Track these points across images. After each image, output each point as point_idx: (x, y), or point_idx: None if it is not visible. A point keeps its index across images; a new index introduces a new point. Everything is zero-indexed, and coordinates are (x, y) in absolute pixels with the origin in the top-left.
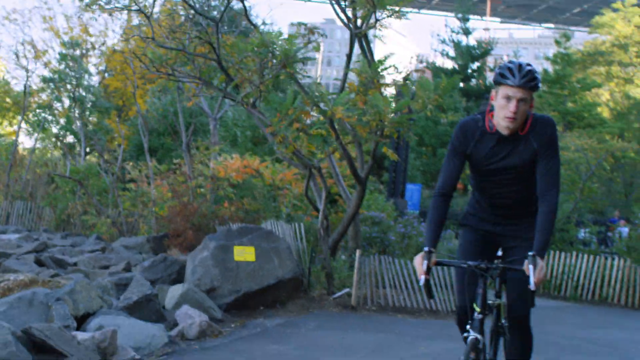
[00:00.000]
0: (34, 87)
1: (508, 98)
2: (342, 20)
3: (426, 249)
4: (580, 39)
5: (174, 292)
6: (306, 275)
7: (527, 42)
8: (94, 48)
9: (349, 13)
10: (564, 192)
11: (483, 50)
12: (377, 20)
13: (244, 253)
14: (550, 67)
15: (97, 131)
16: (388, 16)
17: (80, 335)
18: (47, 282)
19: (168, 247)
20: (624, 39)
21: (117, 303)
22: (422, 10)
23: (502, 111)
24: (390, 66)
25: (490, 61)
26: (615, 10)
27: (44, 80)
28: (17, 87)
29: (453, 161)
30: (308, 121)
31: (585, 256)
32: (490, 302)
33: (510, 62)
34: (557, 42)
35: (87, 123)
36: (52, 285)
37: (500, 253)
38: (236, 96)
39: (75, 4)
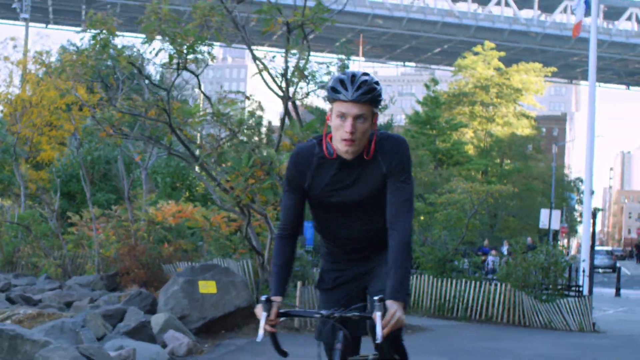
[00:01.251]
0: None
1: (343, 116)
2: (275, 92)
3: (264, 297)
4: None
5: (157, 320)
6: (255, 304)
7: (391, 79)
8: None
9: (283, 85)
10: (451, 228)
11: None
12: (307, 93)
13: (207, 286)
14: (419, 108)
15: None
16: (318, 88)
17: (111, 353)
18: (52, 315)
19: (121, 283)
20: (485, 81)
21: (117, 329)
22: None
23: (338, 132)
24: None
25: None
26: (476, 53)
27: None
28: None
29: (289, 198)
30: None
31: (473, 282)
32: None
33: (342, 72)
34: (427, 86)
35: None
36: (56, 317)
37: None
38: (191, 157)
39: None
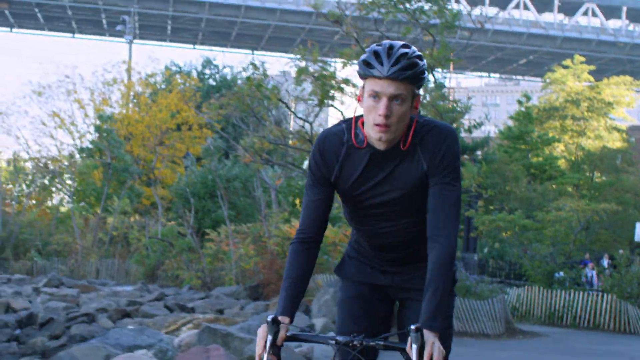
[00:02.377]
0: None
1: (376, 95)
2: None
3: (270, 317)
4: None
5: (318, 323)
6: None
7: (475, 90)
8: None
9: None
10: (558, 243)
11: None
12: None
13: None
14: (509, 121)
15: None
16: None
17: (295, 350)
18: (224, 319)
19: (263, 293)
20: (576, 95)
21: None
22: None
23: (371, 115)
24: None
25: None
26: (565, 67)
27: (81, 150)
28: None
29: (314, 193)
30: None
31: (581, 293)
32: None
33: (378, 44)
34: (519, 102)
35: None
36: (228, 322)
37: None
38: None
39: (97, 77)
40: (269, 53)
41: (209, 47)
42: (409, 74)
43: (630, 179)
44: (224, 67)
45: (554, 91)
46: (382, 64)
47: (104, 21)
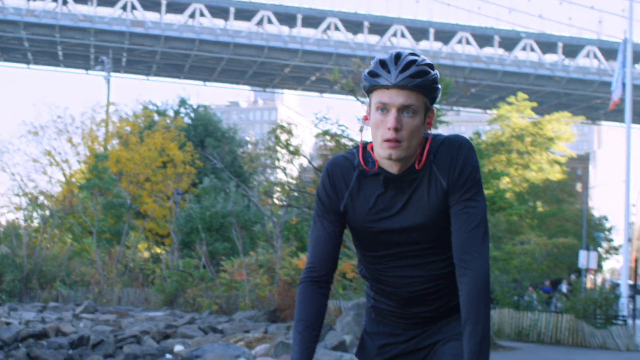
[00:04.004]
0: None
1: (384, 107)
2: None
3: None
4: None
5: (344, 339)
6: None
7: None
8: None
9: None
10: (523, 272)
11: None
12: None
13: None
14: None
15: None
16: None
17: None
18: (269, 337)
19: (280, 316)
20: (520, 130)
21: (322, 344)
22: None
23: (379, 131)
24: None
25: None
26: (509, 103)
27: (80, 188)
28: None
29: (323, 225)
30: None
31: (545, 314)
32: None
33: (385, 53)
34: (471, 139)
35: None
36: (272, 339)
37: None
38: None
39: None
40: (220, 84)
41: (162, 79)
42: (419, 81)
43: (572, 209)
44: (199, 106)
45: (500, 127)
46: (389, 72)
47: (60, 53)
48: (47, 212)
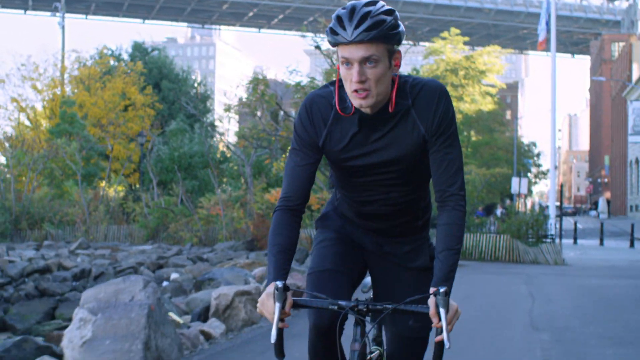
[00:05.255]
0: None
1: (347, 62)
2: None
3: (280, 283)
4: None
5: None
6: None
7: None
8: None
9: None
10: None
11: None
12: None
13: None
14: None
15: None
16: None
17: None
18: (258, 263)
19: (257, 245)
20: (454, 65)
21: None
22: (262, 30)
23: (347, 83)
24: None
25: None
26: (443, 38)
27: (50, 132)
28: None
29: (300, 158)
30: None
31: (485, 235)
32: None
33: (343, 7)
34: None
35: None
36: (263, 264)
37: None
38: None
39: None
40: (159, 22)
41: (101, 17)
42: (375, 33)
43: (503, 137)
44: (152, 49)
45: (435, 61)
46: (344, 29)
47: None
48: (32, 157)
